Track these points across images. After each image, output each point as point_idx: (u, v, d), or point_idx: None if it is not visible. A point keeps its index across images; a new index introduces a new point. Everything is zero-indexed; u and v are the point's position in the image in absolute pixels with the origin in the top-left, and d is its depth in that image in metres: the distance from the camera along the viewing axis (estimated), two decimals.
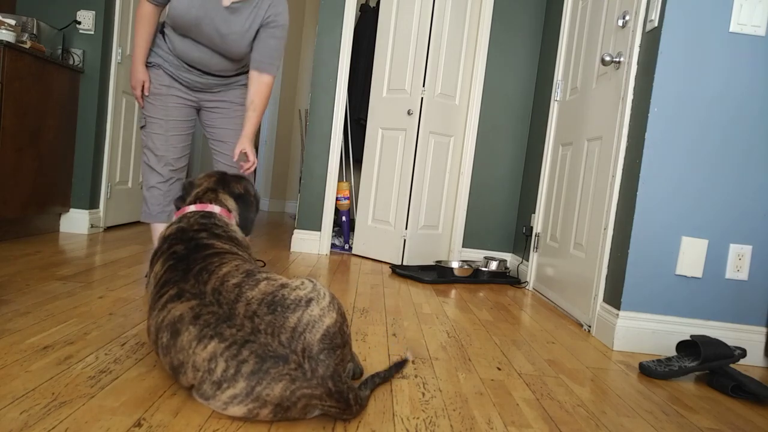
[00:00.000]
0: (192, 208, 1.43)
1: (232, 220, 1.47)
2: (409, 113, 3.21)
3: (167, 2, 1.91)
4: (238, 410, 1.03)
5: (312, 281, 1.15)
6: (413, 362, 1.54)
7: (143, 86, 1.99)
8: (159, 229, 2.08)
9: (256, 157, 2.11)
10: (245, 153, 2.01)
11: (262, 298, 1.08)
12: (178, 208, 1.50)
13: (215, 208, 1.43)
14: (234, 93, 2.11)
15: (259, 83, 1.99)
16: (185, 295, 1.13)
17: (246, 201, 1.55)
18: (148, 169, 2.05)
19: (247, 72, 2.11)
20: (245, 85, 2.12)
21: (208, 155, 6.26)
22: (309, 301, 1.09)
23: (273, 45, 1.97)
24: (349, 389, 1.07)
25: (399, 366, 1.39)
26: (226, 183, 1.54)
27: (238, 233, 1.44)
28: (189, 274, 1.17)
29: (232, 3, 1.87)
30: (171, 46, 1.98)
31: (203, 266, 1.18)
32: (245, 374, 1.01)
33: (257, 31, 1.96)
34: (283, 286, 1.12)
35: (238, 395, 1.02)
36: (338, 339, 1.08)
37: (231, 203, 1.50)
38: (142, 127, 2.06)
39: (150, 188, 2.05)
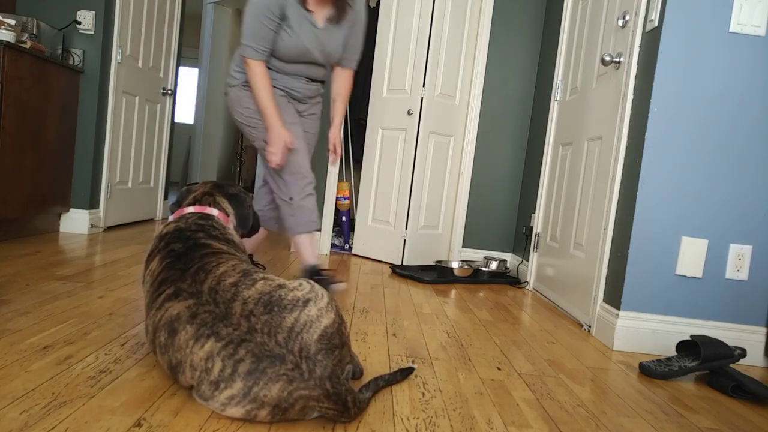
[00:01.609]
0: (190, 209, 1.43)
1: (230, 224, 1.48)
2: (409, 113, 3.21)
3: (271, 51, 2.06)
4: (236, 411, 1.03)
5: (310, 283, 1.15)
6: (413, 362, 1.54)
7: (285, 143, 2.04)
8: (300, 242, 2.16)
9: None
10: (335, 143, 2.32)
11: (258, 298, 1.08)
12: (172, 212, 1.51)
13: (213, 211, 1.44)
14: (317, 107, 2.35)
15: (343, 77, 2.31)
16: (182, 294, 1.13)
17: (240, 200, 1.56)
18: (295, 179, 2.11)
19: (323, 82, 2.33)
20: (320, 102, 2.37)
21: (207, 157, 6.27)
22: (306, 301, 1.08)
23: (354, 43, 2.23)
24: (347, 391, 1.06)
25: (404, 373, 1.38)
26: (221, 187, 1.56)
27: (235, 237, 1.45)
28: (186, 274, 1.17)
29: (326, 23, 2.09)
30: (276, 66, 2.10)
31: (200, 266, 1.18)
32: (242, 374, 1.01)
33: None
34: (281, 286, 1.12)
35: (235, 396, 1.02)
36: (336, 339, 1.07)
37: (227, 206, 1.51)
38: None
39: (308, 196, 2.12)
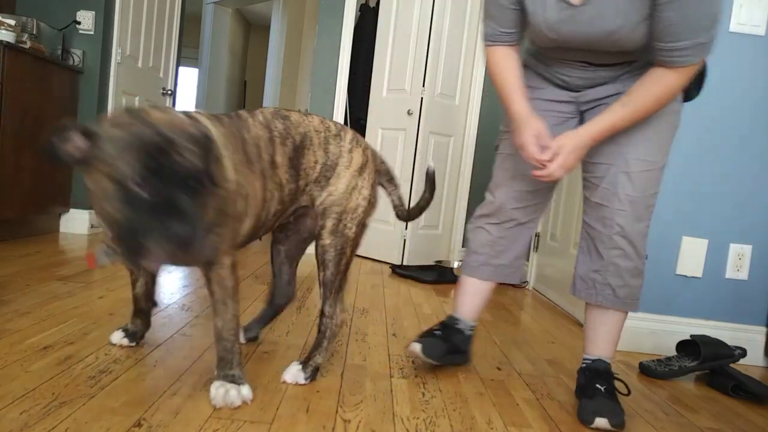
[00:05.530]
0: None
1: None
2: (409, 113, 3.21)
3: (519, 39, 1.37)
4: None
5: None
6: (413, 362, 1.53)
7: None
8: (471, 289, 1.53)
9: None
10: (556, 151, 1.25)
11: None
12: None
13: None
14: (620, 85, 1.34)
15: (652, 75, 1.24)
16: None
17: None
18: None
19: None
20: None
21: None
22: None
23: (669, 18, 1.15)
24: None
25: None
26: None
27: None
28: None
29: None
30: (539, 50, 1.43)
31: None
32: None
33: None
34: None
35: None
36: None
37: None
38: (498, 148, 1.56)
39: (476, 229, 1.60)
